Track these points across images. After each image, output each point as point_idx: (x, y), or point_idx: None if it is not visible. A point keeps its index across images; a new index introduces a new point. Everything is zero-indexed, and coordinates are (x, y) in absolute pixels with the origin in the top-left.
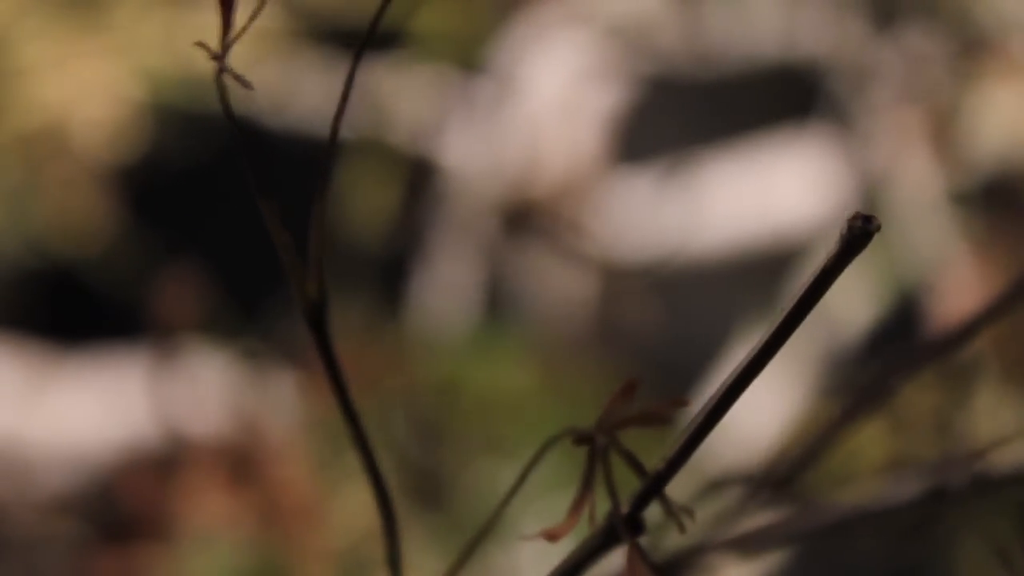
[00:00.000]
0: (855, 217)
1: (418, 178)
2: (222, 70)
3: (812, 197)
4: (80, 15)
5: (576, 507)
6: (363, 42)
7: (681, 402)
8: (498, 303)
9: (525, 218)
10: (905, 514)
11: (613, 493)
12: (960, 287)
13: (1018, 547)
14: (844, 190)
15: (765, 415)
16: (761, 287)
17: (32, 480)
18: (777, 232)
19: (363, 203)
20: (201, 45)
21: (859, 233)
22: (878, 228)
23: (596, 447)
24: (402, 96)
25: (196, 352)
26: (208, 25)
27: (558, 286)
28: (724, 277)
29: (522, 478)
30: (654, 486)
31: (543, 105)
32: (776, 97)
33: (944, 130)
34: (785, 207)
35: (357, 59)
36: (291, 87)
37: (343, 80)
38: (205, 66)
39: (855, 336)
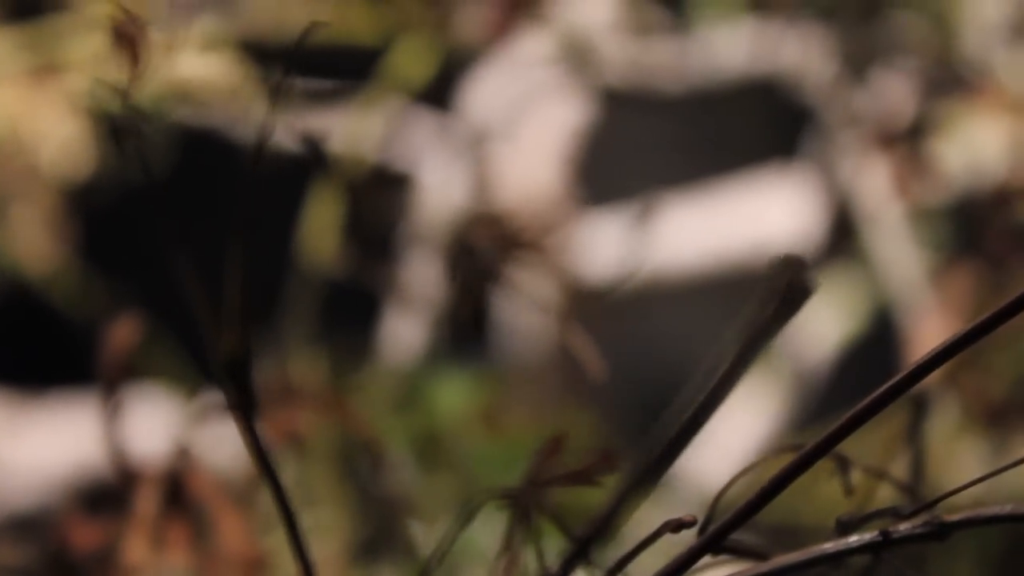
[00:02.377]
0: (789, 265)
1: (383, 206)
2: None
3: (785, 220)
4: (30, 31)
5: (505, 570)
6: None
7: (611, 461)
8: (461, 337)
9: (493, 249)
10: (856, 559)
11: (540, 555)
12: (929, 314)
13: None
14: (817, 215)
15: (735, 438)
16: (732, 313)
17: None
18: (748, 255)
19: (325, 232)
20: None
21: (799, 290)
22: (815, 286)
23: (520, 508)
24: (369, 124)
25: (143, 390)
26: (159, 40)
27: (524, 314)
28: (693, 302)
29: (451, 540)
30: (580, 550)
31: (512, 135)
32: (747, 120)
33: (916, 157)
34: (756, 229)
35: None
36: (253, 105)
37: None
38: (160, 81)
39: (827, 362)
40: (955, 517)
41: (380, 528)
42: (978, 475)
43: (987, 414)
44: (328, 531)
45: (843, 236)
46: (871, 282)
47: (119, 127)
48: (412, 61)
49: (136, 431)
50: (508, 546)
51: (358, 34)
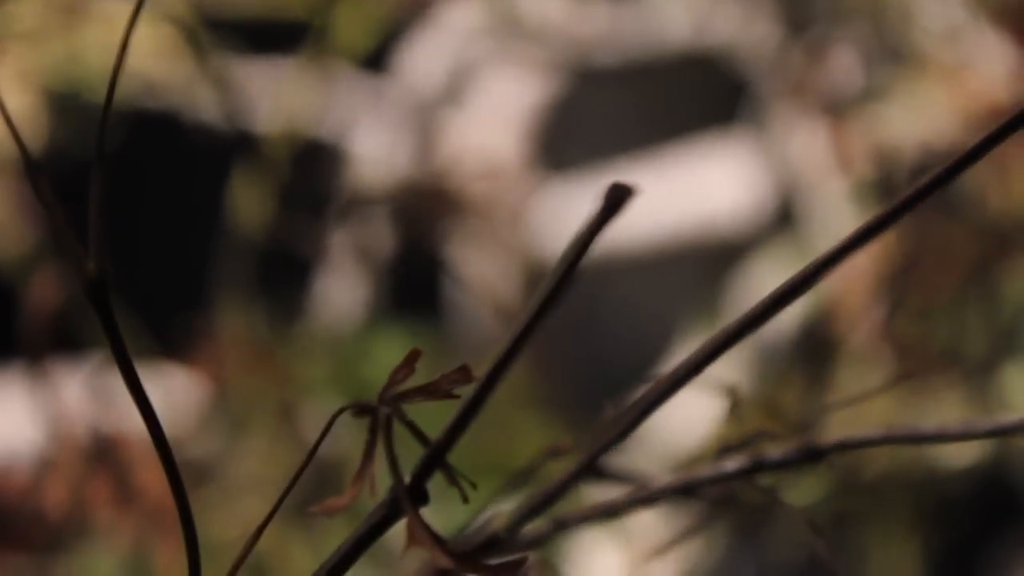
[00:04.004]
0: (614, 186)
1: (320, 174)
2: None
3: (733, 189)
4: None
5: (356, 479)
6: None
7: (466, 374)
8: (402, 300)
9: (431, 214)
10: (725, 485)
11: (394, 464)
12: (861, 281)
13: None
14: (764, 183)
15: (687, 413)
16: (683, 281)
17: None
18: (699, 225)
19: (260, 198)
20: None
21: (618, 200)
22: (631, 195)
23: (378, 418)
24: (306, 91)
25: (71, 354)
26: (112, 17)
27: (470, 283)
28: (646, 271)
29: (310, 456)
30: (435, 455)
31: (452, 100)
32: (692, 91)
33: (856, 127)
34: (707, 200)
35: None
36: (195, 82)
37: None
38: (107, 59)
39: (778, 334)
40: (828, 441)
41: (314, 485)
42: (886, 426)
43: (911, 371)
44: (260, 486)
45: (787, 206)
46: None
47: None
48: (349, 27)
49: (66, 394)
50: (364, 457)
51: (296, 3)
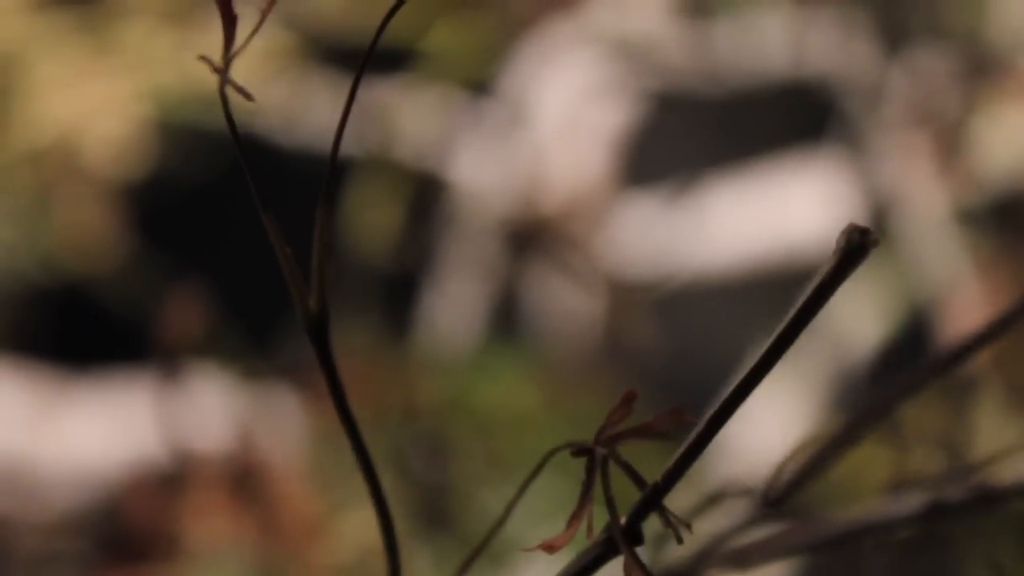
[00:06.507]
0: (851, 229)
1: (426, 196)
2: (225, 83)
3: (823, 216)
4: (90, 34)
5: (574, 518)
6: (365, 58)
7: (680, 415)
8: (505, 322)
9: (533, 237)
10: (906, 529)
11: (611, 504)
12: (968, 306)
13: (1018, 561)
14: (854, 209)
15: (773, 433)
16: (771, 307)
17: (39, 499)
18: (788, 251)
19: (371, 221)
20: (204, 59)
21: (856, 245)
22: (875, 242)
23: (595, 459)
24: (411, 115)
25: (201, 372)
26: (215, 44)
27: (566, 305)
28: (733, 297)
29: (521, 491)
30: (652, 497)
31: (551, 124)
32: (785, 115)
33: (953, 149)
34: (796, 226)
35: (359, 75)
36: (300, 106)
37: (347, 97)
38: (213, 84)
39: (864, 354)
40: (1005, 485)
41: (431, 503)
42: None
43: None
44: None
45: (880, 228)
46: (909, 277)
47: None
48: (452, 50)
49: (196, 411)
50: (582, 497)
51: (399, 26)
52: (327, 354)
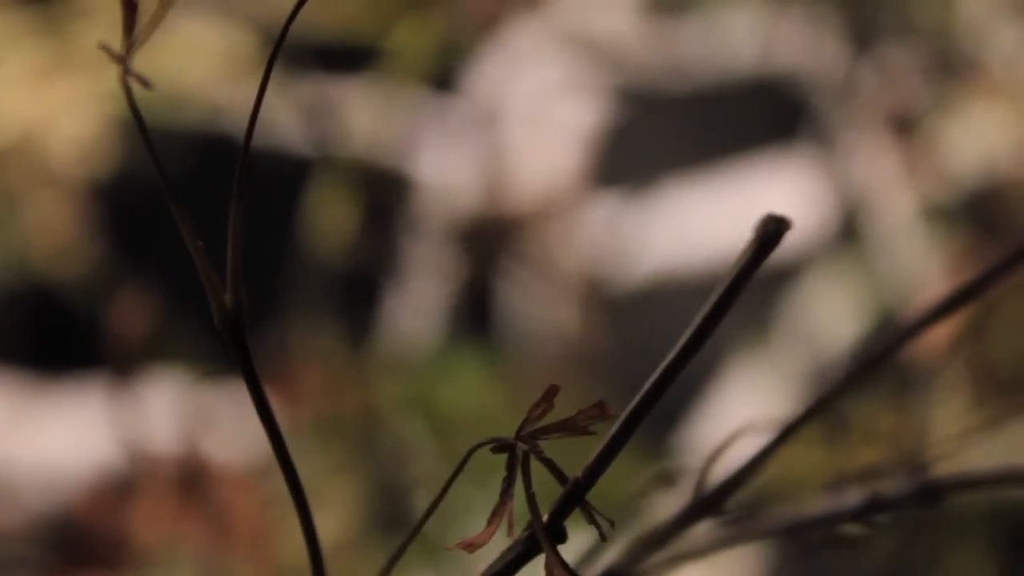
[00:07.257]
0: (767, 219)
1: (388, 195)
2: (127, 72)
3: (792, 213)
4: (52, 34)
5: (495, 516)
6: (275, 49)
7: (604, 410)
8: (472, 322)
9: (500, 236)
10: (846, 524)
11: (532, 501)
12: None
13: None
14: (825, 207)
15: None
16: (740, 305)
17: (9, 504)
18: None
19: (331, 220)
20: (104, 48)
21: (772, 233)
22: (789, 229)
23: (515, 455)
24: (373, 113)
25: (152, 374)
26: (179, 42)
27: (534, 305)
28: (702, 295)
29: (444, 489)
30: (574, 494)
31: (519, 122)
32: (755, 113)
33: (922, 146)
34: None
35: (270, 64)
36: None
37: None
38: (177, 83)
39: (837, 353)
40: (946, 478)
41: (391, 504)
42: (980, 448)
43: (992, 389)
44: (339, 504)
45: (846, 226)
46: (879, 274)
47: (121, 84)
48: (414, 48)
49: (147, 414)
50: (502, 495)
51: (359, 24)
52: (244, 352)
